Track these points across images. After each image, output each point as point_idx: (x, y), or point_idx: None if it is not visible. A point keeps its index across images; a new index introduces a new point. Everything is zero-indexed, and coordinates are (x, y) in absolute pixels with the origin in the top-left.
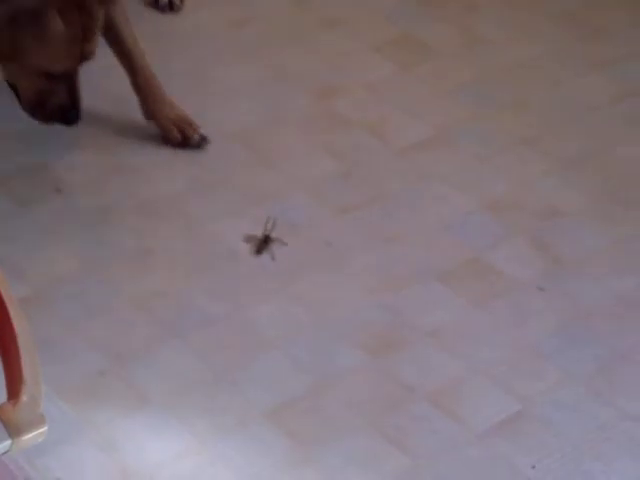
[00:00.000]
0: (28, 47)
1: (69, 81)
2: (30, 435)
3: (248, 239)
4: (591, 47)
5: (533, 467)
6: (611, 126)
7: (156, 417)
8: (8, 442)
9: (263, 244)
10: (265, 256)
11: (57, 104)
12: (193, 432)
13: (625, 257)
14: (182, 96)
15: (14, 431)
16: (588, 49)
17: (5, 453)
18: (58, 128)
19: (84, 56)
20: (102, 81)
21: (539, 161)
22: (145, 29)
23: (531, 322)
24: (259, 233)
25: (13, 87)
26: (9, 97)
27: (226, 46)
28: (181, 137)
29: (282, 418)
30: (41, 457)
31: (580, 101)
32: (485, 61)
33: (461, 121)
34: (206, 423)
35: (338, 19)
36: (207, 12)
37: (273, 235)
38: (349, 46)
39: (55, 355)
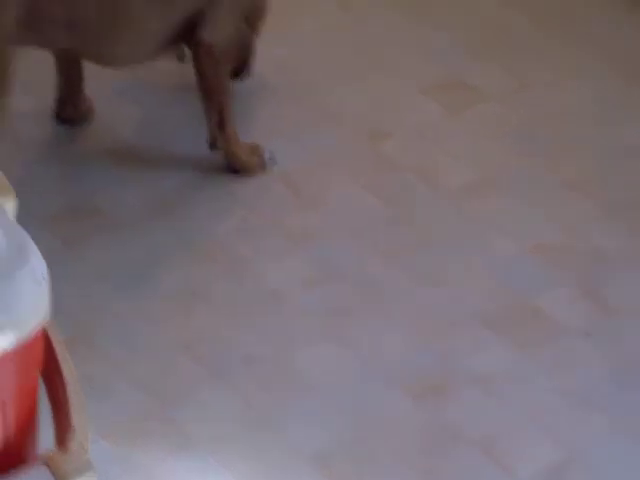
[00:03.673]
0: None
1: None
2: None
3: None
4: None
5: None
6: None
7: (199, 459)
8: None
9: None
10: (310, 298)
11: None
12: (235, 475)
13: None
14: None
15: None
16: (637, 92)
17: None
18: (105, 167)
19: None
20: (150, 120)
21: (587, 205)
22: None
23: (578, 368)
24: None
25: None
26: (53, 141)
27: (274, 87)
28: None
29: (326, 463)
30: None
31: (628, 145)
32: (533, 104)
33: (508, 165)
34: (248, 466)
35: (387, 60)
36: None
37: None
38: (397, 88)
39: (99, 395)
